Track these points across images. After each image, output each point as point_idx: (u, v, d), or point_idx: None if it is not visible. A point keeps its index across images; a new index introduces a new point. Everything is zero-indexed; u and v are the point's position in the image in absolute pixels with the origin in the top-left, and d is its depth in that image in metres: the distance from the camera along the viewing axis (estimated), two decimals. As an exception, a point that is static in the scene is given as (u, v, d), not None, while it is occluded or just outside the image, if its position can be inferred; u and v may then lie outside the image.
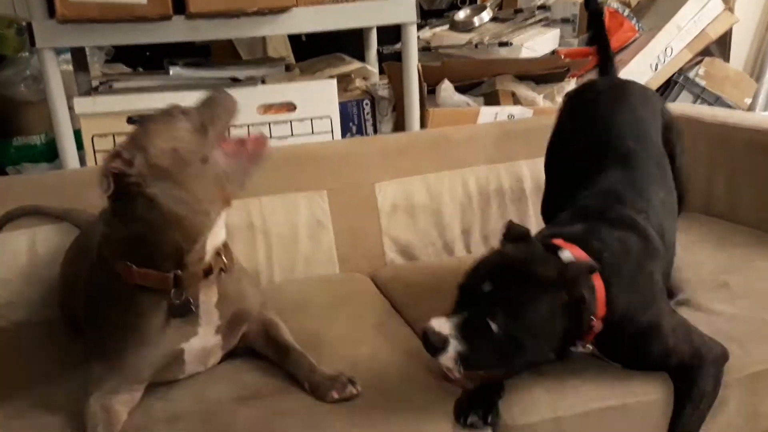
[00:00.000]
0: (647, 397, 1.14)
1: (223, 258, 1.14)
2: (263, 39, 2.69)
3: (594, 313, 1.05)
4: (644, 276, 1.14)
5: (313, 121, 1.96)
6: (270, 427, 1.05)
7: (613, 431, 1.14)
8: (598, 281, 1.06)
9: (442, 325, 1.00)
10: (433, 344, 0.99)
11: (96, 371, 1.11)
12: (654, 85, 2.40)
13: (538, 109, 2.17)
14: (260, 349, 1.24)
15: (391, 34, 2.39)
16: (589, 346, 1.14)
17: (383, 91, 2.22)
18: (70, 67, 2.28)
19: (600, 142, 1.32)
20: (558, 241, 1.08)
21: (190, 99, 1.82)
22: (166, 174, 1.02)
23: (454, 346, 0.99)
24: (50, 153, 2.48)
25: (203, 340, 1.14)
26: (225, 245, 1.16)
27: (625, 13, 2.47)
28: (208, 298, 1.12)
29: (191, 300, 1.09)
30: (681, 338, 1.15)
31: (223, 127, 1.13)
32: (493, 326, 0.98)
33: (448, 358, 1.00)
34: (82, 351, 1.32)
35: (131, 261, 1.06)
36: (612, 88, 1.44)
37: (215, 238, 1.10)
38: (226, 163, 1.09)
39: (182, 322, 1.10)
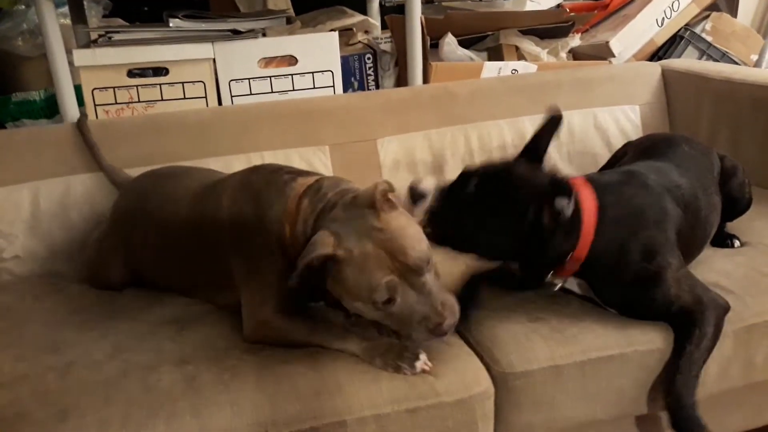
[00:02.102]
0: (645, 347, 1.17)
1: None
2: (263, -8, 2.64)
3: (570, 241, 1.15)
4: (649, 228, 1.20)
5: (315, 75, 1.94)
6: (275, 370, 1.08)
7: (612, 379, 1.16)
8: (588, 218, 1.15)
9: (427, 183, 1.19)
10: (413, 194, 1.18)
11: (263, 287, 1.17)
12: (659, 41, 2.37)
13: (542, 64, 2.14)
14: None
15: (394, -14, 2.35)
16: (576, 283, 1.21)
17: (385, 45, 2.19)
18: (68, 21, 2.24)
19: (646, 150, 1.49)
20: (575, 179, 1.19)
21: (190, 51, 1.84)
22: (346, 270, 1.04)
23: (428, 201, 1.18)
24: (50, 109, 2.46)
25: None
26: None
27: (633, -34, 2.42)
28: None
29: None
30: (685, 288, 1.18)
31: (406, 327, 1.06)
32: (463, 201, 1.15)
33: (420, 210, 1.17)
34: (90, 302, 1.35)
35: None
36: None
37: None
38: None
39: None
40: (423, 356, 1.08)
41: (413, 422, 1.05)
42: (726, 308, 1.21)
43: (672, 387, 1.12)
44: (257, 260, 1.18)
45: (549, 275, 1.21)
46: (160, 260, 1.36)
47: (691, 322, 1.16)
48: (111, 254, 1.42)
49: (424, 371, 1.07)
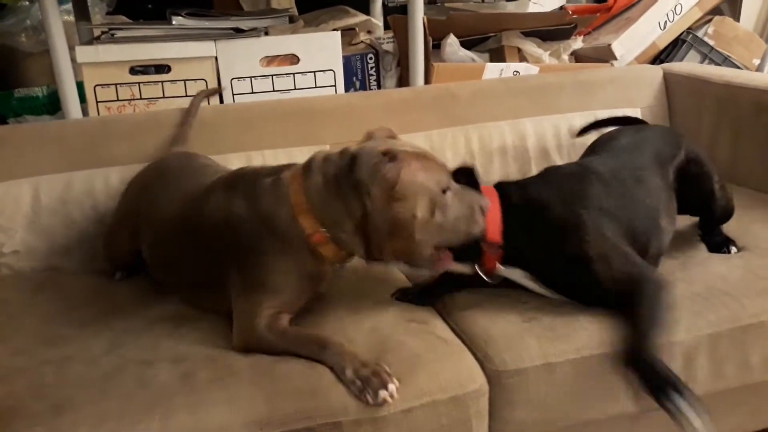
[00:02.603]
0: (639, 346, 1.16)
1: None
2: (267, -9, 2.65)
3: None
4: (556, 208, 1.24)
5: (317, 74, 1.95)
6: (271, 369, 1.08)
7: (604, 377, 1.16)
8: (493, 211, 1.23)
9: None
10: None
11: (257, 299, 1.16)
12: (662, 44, 2.37)
13: (544, 66, 2.14)
14: None
15: (397, -14, 2.35)
16: (520, 275, 1.25)
17: (388, 45, 2.20)
18: (72, 18, 2.25)
19: (592, 147, 1.58)
20: (484, 187, 1.29)
21: (192, 49, 1.85)
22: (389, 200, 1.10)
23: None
24: (52, 106, 2.47)
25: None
26: None
27: (636, -31, 2.42)
28: None
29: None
30: (618, 268, 1.19)
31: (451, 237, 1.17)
32: None
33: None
34: (88, 297, 1.36)
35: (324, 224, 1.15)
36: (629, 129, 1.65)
37: None
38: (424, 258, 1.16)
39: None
40: (391, 387, 1.03)
41: (408, 422, 1.05)
42: (666, 283, 1.20)
43: (629, 349, 1.10)
44: (257, 271, 1.17)
45: (477, 266, 1.25)
46: (155, 254, 1.38)
47: (631, 303, 1.16)
48: (121, 226, 1.46)
49: (385, 401, 1.03)
